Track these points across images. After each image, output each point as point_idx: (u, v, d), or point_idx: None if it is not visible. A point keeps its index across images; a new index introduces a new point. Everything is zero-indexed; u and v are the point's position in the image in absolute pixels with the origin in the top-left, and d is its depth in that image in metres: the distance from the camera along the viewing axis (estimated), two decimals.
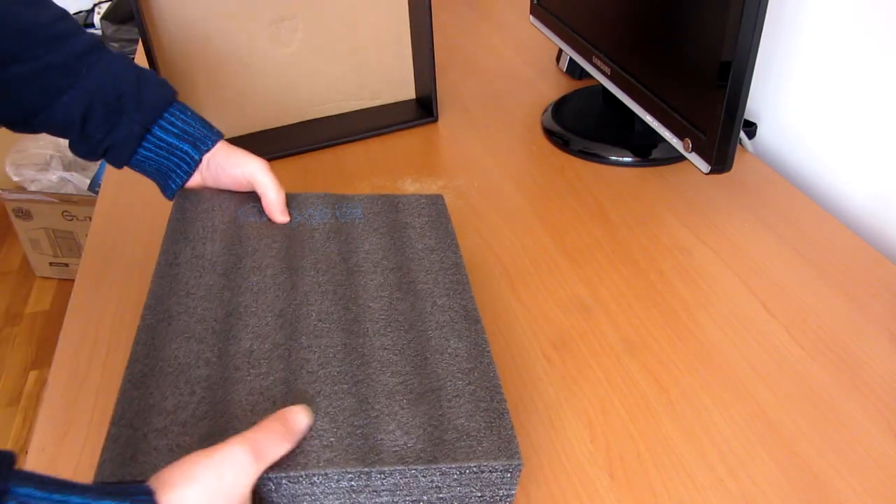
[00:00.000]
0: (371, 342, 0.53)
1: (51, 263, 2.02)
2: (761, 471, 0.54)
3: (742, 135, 0.92)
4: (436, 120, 1.01)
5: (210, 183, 0.67)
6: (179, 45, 0.88)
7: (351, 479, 0.45)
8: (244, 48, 0.91)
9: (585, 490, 0.54)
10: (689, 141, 0.75)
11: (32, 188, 1.90)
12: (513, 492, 0.48)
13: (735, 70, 0.67)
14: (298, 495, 0.45)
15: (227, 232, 0.63)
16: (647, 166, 0.90)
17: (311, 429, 0.47)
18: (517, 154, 0.93)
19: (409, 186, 0.87)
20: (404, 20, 0.98)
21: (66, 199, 1.87)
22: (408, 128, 1.00)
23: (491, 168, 0.91)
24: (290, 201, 0.67)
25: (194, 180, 0.67)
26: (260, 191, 0.65)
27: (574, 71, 1.10)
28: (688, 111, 0.75)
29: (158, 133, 0.63)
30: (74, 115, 0.61)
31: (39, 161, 1.93)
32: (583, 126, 0.96)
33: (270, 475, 0.44)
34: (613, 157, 0.90)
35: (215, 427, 0.46)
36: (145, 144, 0.64)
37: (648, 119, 0.82)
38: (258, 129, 0.98)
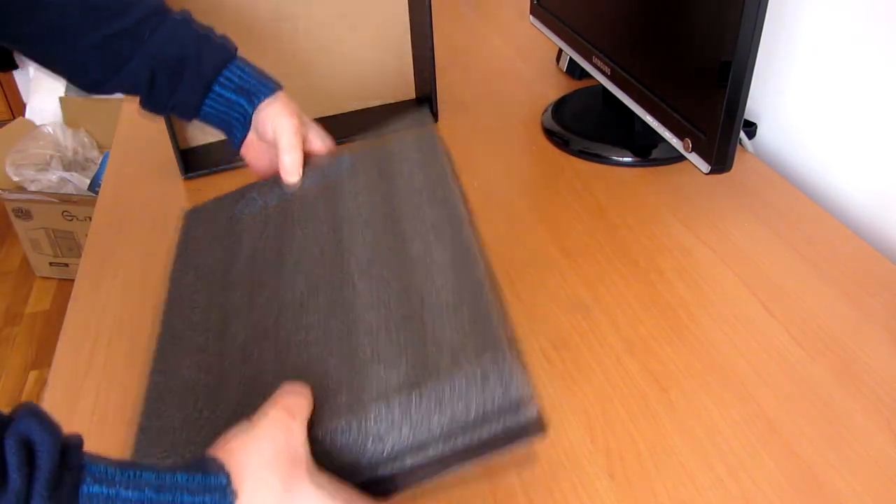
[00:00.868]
0: (356, 298, 0.52)
1: (51, 263, 2.02)
2: (761, 471, 0.54)
3: (742, 135, 0.92)
4: (436, 120, 1.01)
5: (261, 136, 0.68)
6: None
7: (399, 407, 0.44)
8: (244, 48, 0.91)
9: (585, 490, 0.54)
10: (689, 141, 0.75)
11: (32, 188, 1.90)
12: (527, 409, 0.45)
13: (735, 70, 0.67)
14: (366, 436, 0.45)
15: (225, 236, 0.63)
16: (647, 166, 0.90)
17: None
18: (517, 154, 0.93)
19: None
20: (404, 20, 0.98)
21: (66, 199, 1.87)
22: (408, 128, 1.00)
23: (491, 168, 0.91)
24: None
25: (251, 134, 0.68)
26: (277, 150, 0.66)
27: (574, 71, 1.10)
28: (688, 111, 0.75)
29: (218, 90, 0.66)
30: (142, 80, 0.65)
31: (39, 161, 1.93)
32: (583, 126, 0.96)
33: (338, 423, 0.44)
34: (613, 157, 0.90)
35: (218, 424, 0.47)
36: (207, 101, 0.67)
37: (648, 119, 0.82)
38: None
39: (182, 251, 0.64)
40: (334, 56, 0.97)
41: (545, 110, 1.01)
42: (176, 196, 0.88)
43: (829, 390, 0.60)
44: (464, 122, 1.00)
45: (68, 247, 1.98)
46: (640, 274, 0.73)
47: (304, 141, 0.67)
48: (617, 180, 0.87)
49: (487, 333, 0.47)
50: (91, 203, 1.84)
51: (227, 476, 0.40)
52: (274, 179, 0.67)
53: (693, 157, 0.75)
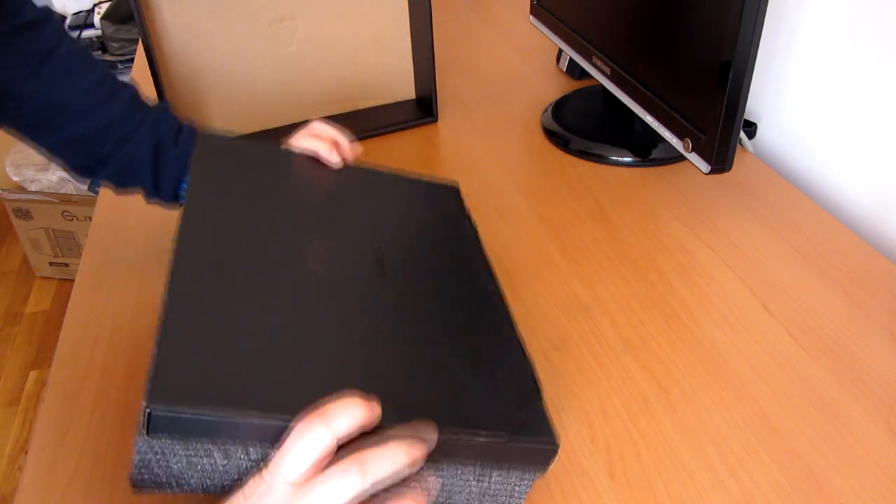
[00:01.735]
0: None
1: (51, 263, 2.02)
2: (761, 471, 0.54)
3: (742, 135, 0.92)
4: (436, 120, 1.01)
5: None
6: (179, 45, 0.88)
7: None
8: (244, 48, 0.92)
9: (585, 490, 0.54)
10: (689, 141, 0.75)
11: (32, 188, 1.90)
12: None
13: (735, 70, 0.67)
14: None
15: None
16: (647, 166, 0.90)
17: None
18: (517, 154, 0.93)
19: None
20: (404, 20, 0.98)
21: (66, 199, 1.87)
22: (408, 128, 1.00)
23: (491, 168, 0.91)
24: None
25: None
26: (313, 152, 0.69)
27: (574, 71, 1.10)
28: (688, 111, 0.75)
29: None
30: (114, 182, 0.71)
31: (39, 161, 1.93)
32: (583, 126, 0.96)
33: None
34: (613, 157, 0.90)
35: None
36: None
37: (648, 119, 0.82)
38: (258, 129, 0.98)
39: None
40: (334, 56, 0.97)
41: (545, 110, 1.01)
42: None
43: (829, 390, 0.60)
44: (464, 122, 1.00)
45: (68, 247, 1.98)
46: (640, 274, 0.73)
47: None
48: (617, 180, 0.87)
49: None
50: (91, 203, 1.84)
51: None
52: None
53: (693, 157, 0.75)
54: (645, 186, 0.86)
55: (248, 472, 0.43)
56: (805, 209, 0.81)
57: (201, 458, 0.42)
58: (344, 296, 0.53)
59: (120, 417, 0.61)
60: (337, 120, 1.00)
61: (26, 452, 0.61)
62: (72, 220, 1.91)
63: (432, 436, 0.43)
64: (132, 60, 1.49)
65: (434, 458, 0.45)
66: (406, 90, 1.03)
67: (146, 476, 0.42)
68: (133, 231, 0.82)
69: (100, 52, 2.05)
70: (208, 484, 0.43)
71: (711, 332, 0.66)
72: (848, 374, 0.61)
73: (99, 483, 0.55)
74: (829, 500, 0.52)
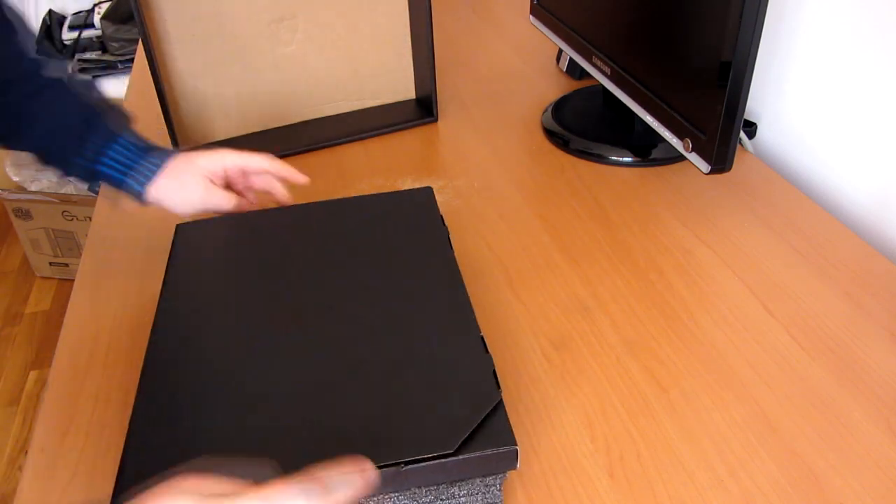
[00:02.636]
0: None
1: (51, 263, 2.02)
2: (761, 471, 0.54)
3: (742, 135, 0.92)
4: (436, 120, 1.01)
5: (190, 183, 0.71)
6: (179, 45, 0.88)
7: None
8: (244, 48, 0.92)
9: (585, 490, 0.54)
10: (689, 141, 0.75)
11: (32, 188, 1.90)
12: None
13: (735, 70, 0.67)
14: None
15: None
16: (647, 166, 0.90)
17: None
18: (517, 154, 0.93)
19: (409, 186, 0.87)
20: (404, 20, 0.98)
21: (66, 199, 1.87)
22: (408, 128, 1.00)
23: (491, 168, 0.91)
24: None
25: (165, 181, 0.70)
26: (258, 169, 0.72)
27: (574, 71, 1.10)
28: (688, 111, 0.75)
29: (105, 171, 0.68)
30: (33, 152, 0.68)
31: None
32: (583, 126, 0.96)
33: None
34: (613, 157, 0.90)
35: None
36: (98, 179, 0.69)
37: (648, 119, 0.82)
38: (258, 130, 0.98)
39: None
40: (334, 56, 0.97)
41: (545, 110, 1.01)
42: None
43: (829, 390, 0.60)
44: (464, 122, 1.00)
45: (68, 247, 1.98)
46: (640, 274, 0.73)
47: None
48: (617, 180, 0.87)
49: None
50: (91, 203, 1.84)
51: None
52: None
53: (693, 157, 0.75)
54: (645, 186, 0.86)
55: None
56: (805, 209, 0.81)
57: None
58: (304, 336, 0.56)
59: (119, 418, 0.61)
60: (337, 120, 1.01)
61: (26, 452, 0.61)
62: (72, 220, 1.91)
63: (368, 468, 0.42)
64: (132, 60, 1.49)
65: (386, 489, 0.45)
66: (406, 90, 1.03)
67: None
68: (133, 231, 0.82)
69: (100, 52, 2.05)
70: None
71: (711, 332, 0.66)
72: (848, 374, 0.61)
73: (99, 483, 0.55)
74: (829, 500, 0.52)
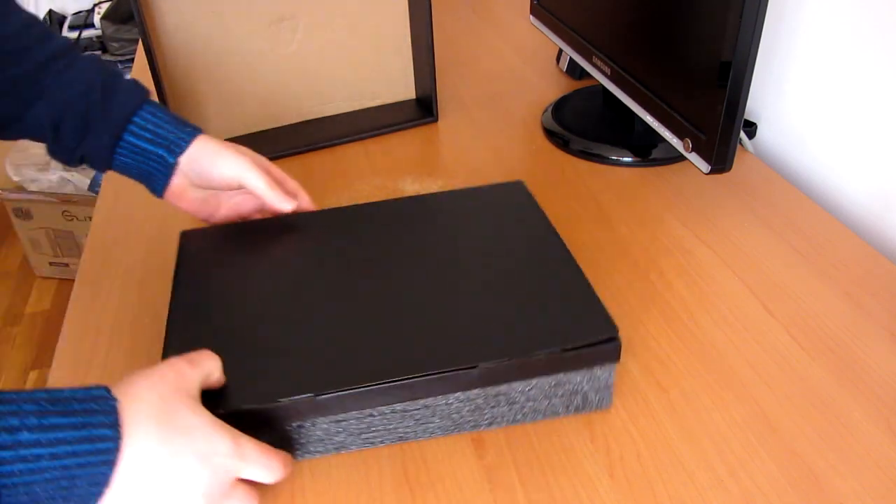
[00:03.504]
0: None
1: (51, 263, 2.02)
2: (761, 471, 0.54)
3: (742, 135, 0.92)
4: (436, 120, 1.01)
5: (199, 184, 0.67)
6: (179, 45, 0.88)
7: None
8: (244, 48, 0.92)
9: (585, 490, 0.54)
10: (689, 141, 0.75)
11: (32, 188, 1.90)
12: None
13: (735, 70, 0.67)
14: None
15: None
16: (647, 166, 0.90)
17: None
18: (517, 154, 0.93)
19: (409, 186, 0.87)
20: (404, 20, 0.98)
21: (66, 199, 1.87)
22: (408, 128, 1.00)
23: (491, 168, 0.91)
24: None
25: (179, 182, 0.66)
26: (252, 192, 0.66)
27: (574, 71, 1.10)
28: (688, 111, 0.75)
29: (130, 139, 0.63)
30: (45, 126, 0.61)
31: (39, 161, 1.93)
32: (583, 126, 0.96)
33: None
34: (613, 157, 0.90)
35: None
36: (120, 151, 0.63)
37: (648, 119, 0.82)
38: (258, 129, 0.98)
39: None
40: (334, 56, 0.97)
41: (545, 110, 1.01)
42: None
43: (829, 390, 0.60)
44: (464, 122, 1.00)
45: (68, 247, 1.98)
46: (640, 274, 0.73)
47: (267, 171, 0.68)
48: (617, 180, 0.87)
49: None
50: (91, 203, 1.84)
51: (108, 388, 0.43)
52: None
53: (693, 157, 0.75)
54: (645, 186, 0.86)
55: None
56: (805, 209, 0.81)
57: None
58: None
59: None
60: (337, 120, 1.01)
61: None
62: (72, 220, 1.91)
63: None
64: (132, 60, 1.49)
65: (508, 379, 0.54)
66: (406, 90, 1.03)
67: None
68: (133, 231, 0.82)
69: (100, 52, 2.05)
70: None
71: (711, 332, 0.66)
72: (848, 374, 0.61)
73: None
74: (829, 500, 0.52)
